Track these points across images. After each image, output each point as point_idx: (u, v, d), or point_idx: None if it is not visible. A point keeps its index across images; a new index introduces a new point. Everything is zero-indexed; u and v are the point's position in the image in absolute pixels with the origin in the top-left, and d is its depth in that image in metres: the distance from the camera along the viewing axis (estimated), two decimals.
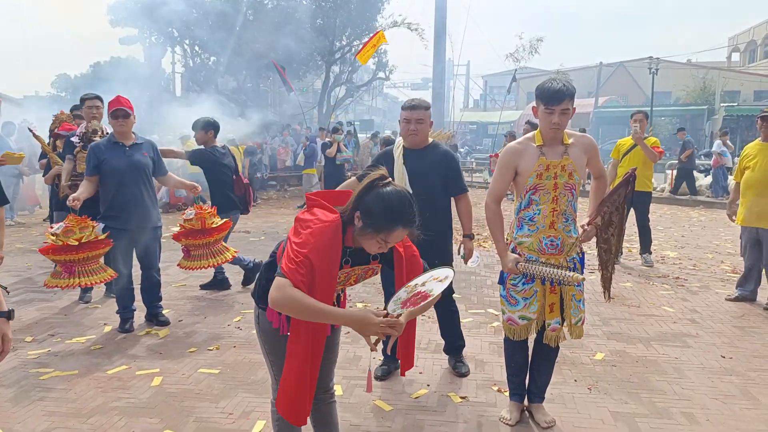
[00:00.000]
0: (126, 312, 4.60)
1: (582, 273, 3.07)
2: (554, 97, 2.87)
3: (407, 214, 1.99)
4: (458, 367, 3.84)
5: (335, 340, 2.46)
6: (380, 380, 3.71)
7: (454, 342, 3.92)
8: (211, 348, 4.24)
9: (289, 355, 2.06)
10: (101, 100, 5.17)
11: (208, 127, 5.61)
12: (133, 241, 4.51)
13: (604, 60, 34.44)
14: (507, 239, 3.14)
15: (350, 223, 2.05)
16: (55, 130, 6.06)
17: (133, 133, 4.53)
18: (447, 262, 3.60)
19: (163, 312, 4.79)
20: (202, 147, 5.65)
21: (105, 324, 4.75)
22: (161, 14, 17.82)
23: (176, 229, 4.73)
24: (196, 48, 20.02)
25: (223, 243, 4.91)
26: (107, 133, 5.29)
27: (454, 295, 5.46)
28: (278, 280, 1.94)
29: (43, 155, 6.80)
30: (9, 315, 1.98)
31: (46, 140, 6.16)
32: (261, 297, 2.27)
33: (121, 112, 4.36)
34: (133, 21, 19.01)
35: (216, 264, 4.80)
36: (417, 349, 4.18)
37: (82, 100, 5.23)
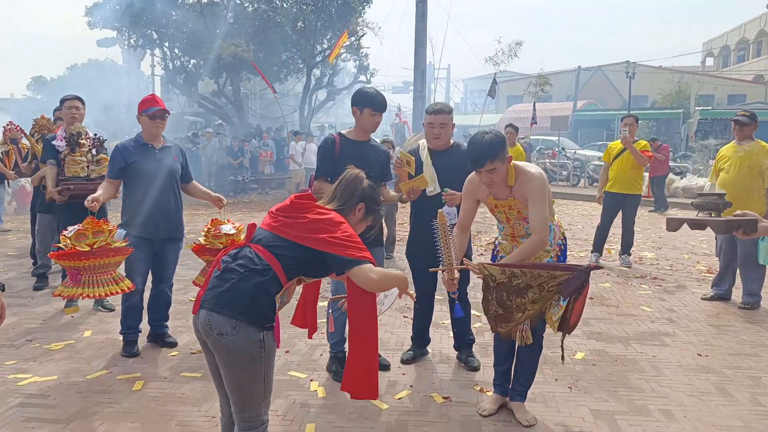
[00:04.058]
0: (131, 333, 4.16)
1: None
2: (476, 162, 2.91)
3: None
4: (470, 362, 3.93)
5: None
6: (405, 364, 4.00)
7: (465, 337, 4.01)
8: (194, 351, 4.22)
9: (363, 337, 2.30)
10: (82, 101, 5.04)
11: None
12: (153, 253, 4.16)
13: (582, 64, 34.88)
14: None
15: (346, 216, 2.37)
16: (51, 132, 6.01)
17: (162, 135, 4.20)
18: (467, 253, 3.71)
19: (169, 332, 4.41)
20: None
21: (84, 329, 4.69)
22: (140, 16, 17.66)
23: (201, 239, 4.20)
24: (176, 51, 19.81)
25: None
26: (94, 135, 5.20)
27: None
28: (366, 267, 2.18)
29: (25, 157, 6.72)
30: (2, 287, 2.22)
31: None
32: (268, 315, 2.20)
33: (160, 112, 4.05)
34: (112, 23, 18.77)
35: None
36: (400, 351, 4.22)
37: (62, 101, 5.10)
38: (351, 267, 2.18)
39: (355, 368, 2.31)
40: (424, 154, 3.88)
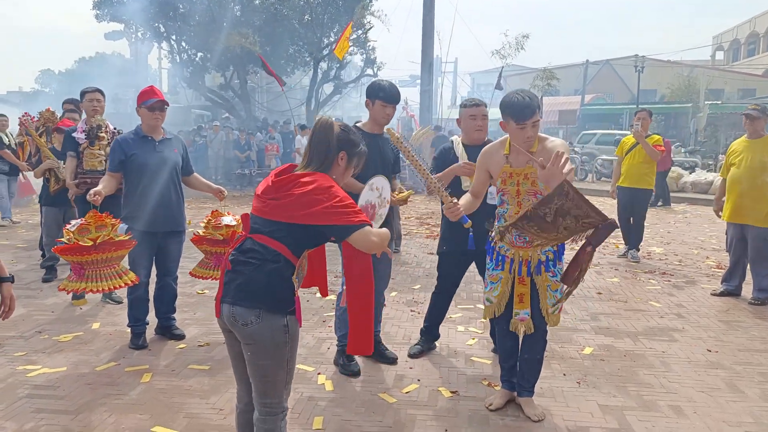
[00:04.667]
0: (138, 325, 4.17)
1: (556, 264, 3.10)
2: (525, 113, 2.93)
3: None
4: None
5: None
6: (413, 358, 3.97)
7: None
8: (201, 344, 4.23)
9: (361, 296, 2.33)
10: (102, 94, 4.99)
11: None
12: (156, 246, 4.16)
13: (591, 58, 34.71)
14: (488, 227, 3.34)
15: (329, 171, 2.28)
16: (54, 125, 6.03)
17: (162, 127, 4.17)
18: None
19: (176, 324, 4.43)
20: None
21: (93, 321, 4.71)
22: (147, 9, 17.68)
23: (200, 231, 4.23)
24: (183, 44, 19.82)
25: None
26: (115, 129, 5.17)
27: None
28: (365, 230, 2.14)
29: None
30: (12, 279, 2.40)
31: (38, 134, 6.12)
32: (288, 299, 2.21)
33: (159, 104, 4.00)
34: (119, 16, 18.80)
35: None
36: (407, 344, 4.21)
37: (83, 93, 5.03)
38: (351, 233, 2.14)
39: (354, 327, 2.35)
40: (459, 150, 3.90)
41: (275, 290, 2.17)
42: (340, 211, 2.12)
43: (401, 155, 3.69)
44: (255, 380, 2.24)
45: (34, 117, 6.50)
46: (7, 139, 8.81)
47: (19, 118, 6.59)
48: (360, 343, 2.37)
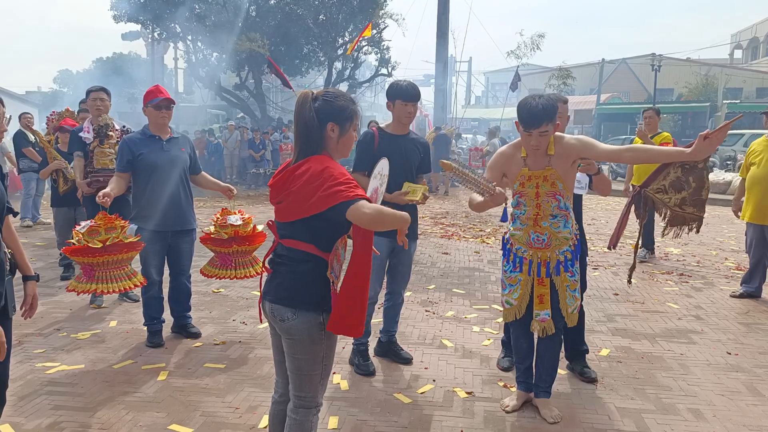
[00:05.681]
0: (154, 324, 4.21)
1: (574, 264, 3.08)
2: (531, 122, 2.88)
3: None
4: (586, 373, 3.68)
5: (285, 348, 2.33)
6: (505, 371, 3.78)
7: (578, 347, 3.77)
8: (217, 342, 4.25)
9: (357, 275, 2.18)
10: (107, 93, 5.01)
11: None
12: (167, 245, 4.17)
13: (606, 57, 34.37)
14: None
15: (323, 149, 2.19)
16: (57, 125, 6.08)
17: (169, 126, 4.18)
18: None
19: (193, 322, 4.45)
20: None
21: (110, 319, 4.75)
22: (164, 9, 17.81)
23: (211, 228, 4.28)
24: (199, 44, 19.94)
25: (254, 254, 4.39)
26: (122, 127, 5.18)
27: (456, 290, 5.49)
28: (359, 204, 2.02)
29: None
30: (38, 277, 2.46)
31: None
32: (324, 297, 2.21)
33: (165, 102, 4.02)
34: (136, 16, 18.95)
35: (240, 276, 4.28)
36: (422, 345, 4.20)
37: (88, 92, 5.06)
38: (347, 209, 2.04)
39: (349, 307, 2.20)
40: None
41: (310, 290, 2.20)
42: (334, 191, 2.05)
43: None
44: (292, 373, 2.28)
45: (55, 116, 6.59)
46: (32, 137, 8.91)
47: (47, 117, 6.68)
48: (349, 323, 2.21)
